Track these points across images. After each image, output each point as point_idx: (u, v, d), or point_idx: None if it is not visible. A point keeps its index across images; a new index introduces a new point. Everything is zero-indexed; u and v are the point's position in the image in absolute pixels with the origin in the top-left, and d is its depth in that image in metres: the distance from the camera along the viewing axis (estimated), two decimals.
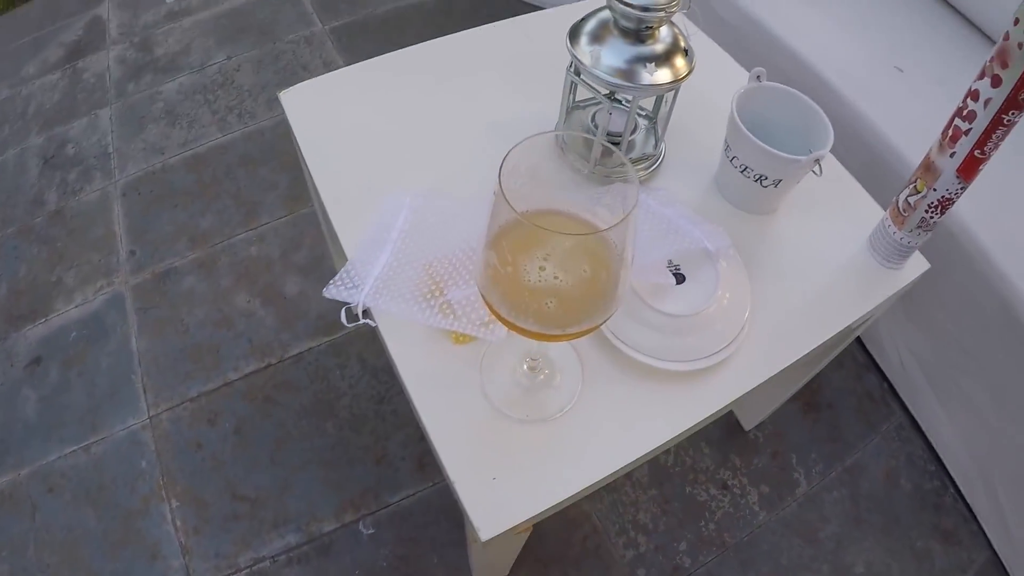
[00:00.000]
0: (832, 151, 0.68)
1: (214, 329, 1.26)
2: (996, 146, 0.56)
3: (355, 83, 0.84)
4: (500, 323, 0.60)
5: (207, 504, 1.07)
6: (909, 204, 0.65)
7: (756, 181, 0.69)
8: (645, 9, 0.61)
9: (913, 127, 0.97)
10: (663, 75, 0.65)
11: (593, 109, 0.80)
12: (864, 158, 0.99)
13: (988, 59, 0.52)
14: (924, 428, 1.15)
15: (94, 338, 1.25)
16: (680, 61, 0.66)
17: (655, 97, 0.78)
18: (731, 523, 1.07)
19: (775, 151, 0.65)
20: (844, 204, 0.77)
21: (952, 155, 0.58)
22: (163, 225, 1.41)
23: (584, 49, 0.66)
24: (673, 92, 0.71)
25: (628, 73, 0.64)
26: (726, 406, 0.62)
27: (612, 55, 0.65)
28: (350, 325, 0.61)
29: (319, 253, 1.36)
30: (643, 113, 0.80)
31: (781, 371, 0.64)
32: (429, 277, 0.64)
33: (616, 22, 0.65)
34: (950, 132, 0.58)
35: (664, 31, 0.66)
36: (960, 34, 1.18)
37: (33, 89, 1.72)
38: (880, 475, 1.13)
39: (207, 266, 1.34)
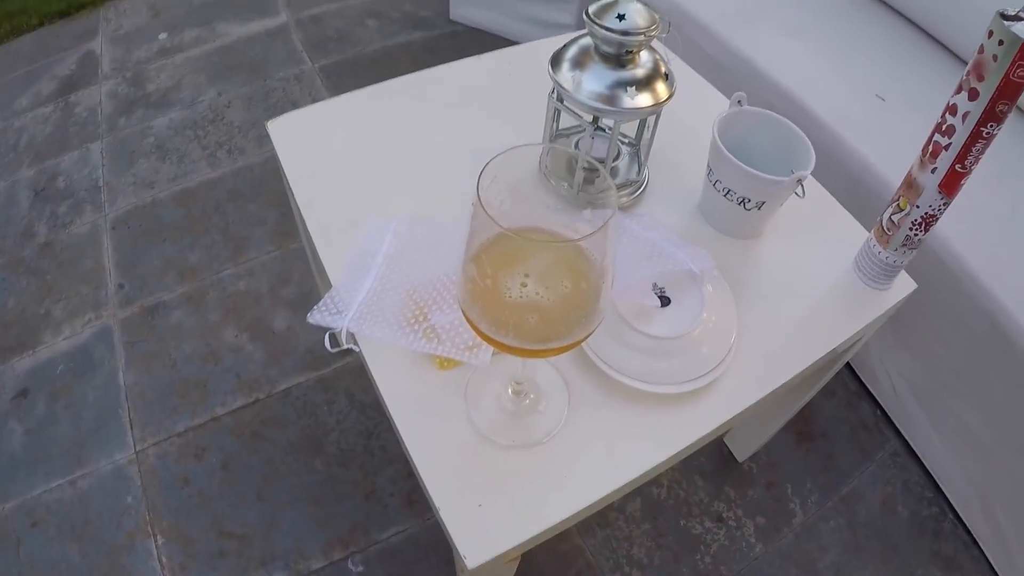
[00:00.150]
0: (815, 178, 0.68)
1: (202, 364, 1.24)
2: (976, 160, 0.56)
3: (341, 113, 0.85)
4: (484, 345, 0.59)
5: (193, 541, 1.04)
6: (893, 222, 0.65)
7: (740, 204, 0.69)
8: (625, 33, 0.62)
9: (895, 154, 0.98)
10: (644, 99, 0.65)
11: (576, 136, 0.81)
12: (847, 184, 1.00)
13: (964, 73, 0.53)
14: (919, 453, 1.14)
15: (81, 371, 1.24)
16: (661, 85, 0.67)
17: (637, 123, 0.79)
18: (727, 556, 1.05)
19: (757, 172, 0.66)
20: (828, 227, 0.77)
21: (933, 170, 0.59)
22: (152, 259, 1.41)
23: (566, 75, 0.67)
24: (655, 117, 0.72)
25: (610, 98, 0.65)
26: (715, 429, 0.61)
27: (593, 80, 0.65)
28: (334, 350, 0.61)
29: (307, 288, 1.35)
30: (626, 140, 0.81)
31: (770, 394, 0.64)
32: (413, 302, 0.64)
33: (597, 48, 0.66)
34: (930, 148, 0.58)
35: (644, 56, 0.67)
36: (942, 63, 1.20)
37: (25, 122, 1.73)
38: (877, 503, 1.11)
39: (195, 300, 1.34)
